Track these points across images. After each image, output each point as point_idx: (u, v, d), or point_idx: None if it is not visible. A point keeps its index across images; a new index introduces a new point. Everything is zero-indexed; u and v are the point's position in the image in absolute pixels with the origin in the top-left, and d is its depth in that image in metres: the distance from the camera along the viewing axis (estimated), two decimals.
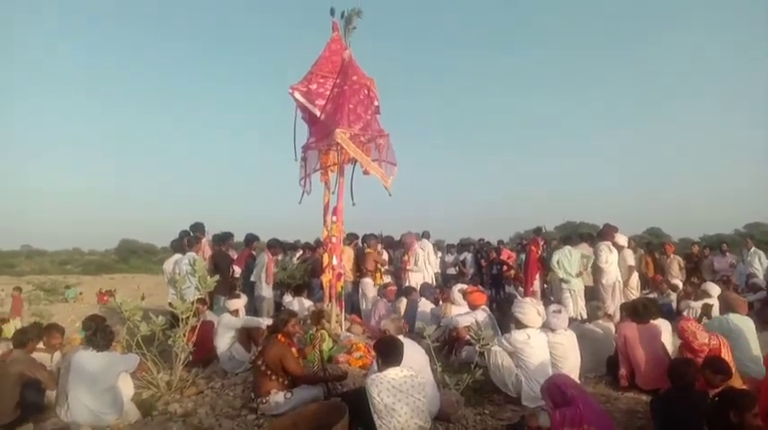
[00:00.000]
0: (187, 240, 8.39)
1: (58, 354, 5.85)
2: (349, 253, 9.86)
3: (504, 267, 11.82)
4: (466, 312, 6.92)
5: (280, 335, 5.01)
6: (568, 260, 8.70)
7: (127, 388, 4.91)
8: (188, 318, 5.89)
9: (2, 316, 11.99)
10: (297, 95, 6.73)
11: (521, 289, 10.77)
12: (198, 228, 9.02)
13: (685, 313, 8.31)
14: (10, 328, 9.45)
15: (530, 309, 5.34)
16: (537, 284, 10.18)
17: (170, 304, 6.01)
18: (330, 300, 6.72)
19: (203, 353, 6.31)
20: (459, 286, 7.71)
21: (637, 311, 5.82)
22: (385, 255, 11.10)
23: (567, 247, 8.92)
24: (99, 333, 4.97)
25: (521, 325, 5.29)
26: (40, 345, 5.62)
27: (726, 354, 4.90)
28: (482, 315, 6.67)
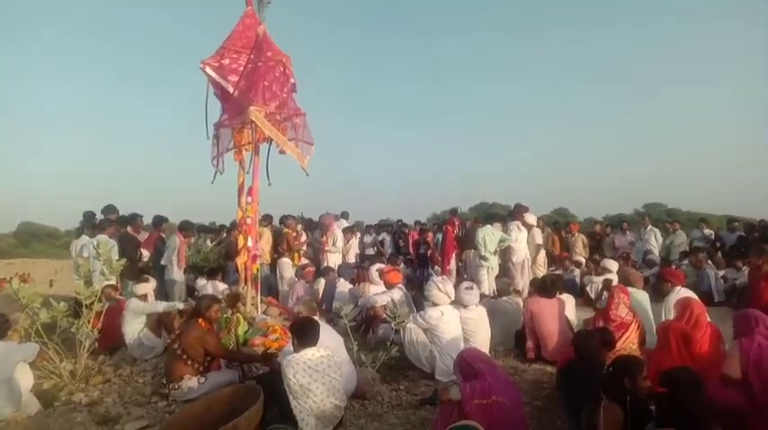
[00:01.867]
0: (99, 222, 7.98)
1: None
2: (267, 234, 9.72)
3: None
4: (383, 291, 7.02)
5: (200, 320, 4.89)
6: (491, 238, 8.97)
7: (25, 378, 4.62)
8: (92, 303, 5.61)
9: None
10: (208, 70, 6.44)
11: (437, 268, 11.02)
12: (110, 210, 8.58)
13: (588, 288, 8.85)
14: None
15: (434, 287, 5.52)
16: (453, 263, 10.44)
17: (75, 291, 5.68)
18: (246, 283, 6.58)
19: (109, 340, 6.05)
20: (377, 266, 7.80)
21: (545, 286, 6.12)
22: (304, 236, 11.03)
23: (489, 226, 9.21)
24: None
25: (432, 303, 5.45)
26: None
27: (635, 331, 5.22)
28: (398, 293, 6.79)
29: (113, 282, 6.82)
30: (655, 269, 10.12)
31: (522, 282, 8.94)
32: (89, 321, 5.57)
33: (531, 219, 9.77)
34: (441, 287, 5.46)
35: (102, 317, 5.81)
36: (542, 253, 10.18)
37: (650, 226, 12.64)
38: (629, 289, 5.86)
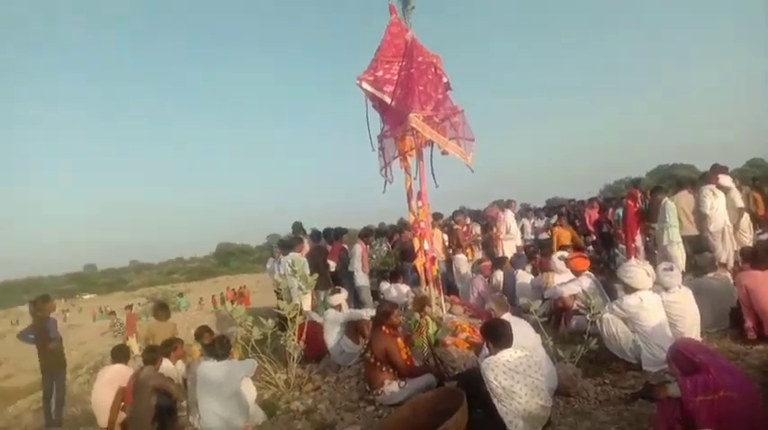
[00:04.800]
0: (290, 240, 8.78)
1: (180, 364, 6.23)
2: (437, 233, 9.83)
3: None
4: (570, 280, 6.70)
5: (384, 327, 5.08)
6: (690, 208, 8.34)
7: (250, 391, 5.17)
8: (294, 317, 6.11)
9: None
10: (365, 85, 6.68)
11: (621, 246, 10.29)
12: (298, 228, 9.31)
13: None
14: (133, 346, 10.16)
15: (637, 271, 5.10)
16: (639, 240, 9.68)
17: (277, 307, 6.25)
18: (427, 284, 6.72)
19: (314, 350, 6.53)
20: (560, 253, 7.48)
21: (757, 256, 5.45)
22: (477, 228, 10.99)
23: (684, 192, 8.54)
24: (217, 343, 5.28)
25: (630, 289, 5.06)
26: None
27: None
28: (587, 281, 6.42)
29: (308, 295, 7.35)
30: None
31: (726, 254, 8.01)
32: (294, 333, 6.09)
33: (726, 180, 8.71)
34: (643, 270, 5.07)
35: (305, 329, 6.29)
36: (746, 217, 9.00)
37: None
38: None
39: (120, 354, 6.21)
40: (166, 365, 5.88)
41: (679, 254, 8.18)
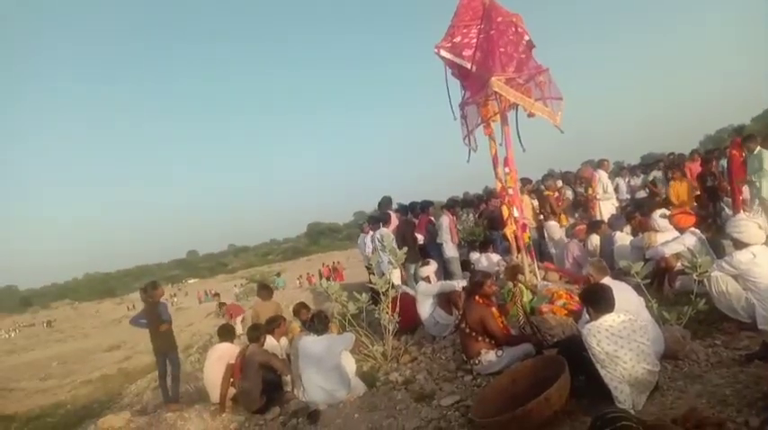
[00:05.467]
0: (378, 215, 8.90)
1: (284, 340, 6.51)
2: (526, 200, 9.57)
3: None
4: (673, 238, 6.31)
5: (477, 297, 5.04)
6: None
7: (350, 364, 5.32)
8: (387, 290, 6.20)
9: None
10: (443, 53, 6.54)
11: (727, 199, 9.57)
12: (386, 203, 9.40)
13: None
14: (237, 328, 10.72)
15: (748, 225, 4.74)
16: (746, 192, 8.96)
17: (370, 281, 6.37)
18: (519, 252, 6.58)
19: (408, 322, 6.60)
20: (661, 211, 7.06)
21: None
22: (569, 192, 10.60)
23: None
24: (315, 318, 5.47)
25: (741, 244, 4.70)
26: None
27: None
28: (691, 239, 6.02)
29: (397, 269, 7.41)
30: None
31: None
32: (388, 306, 6.18)
33: None
34: (754, 223, 4.70)
35: (398, 302, 6.36)
36: None
37: None
38: None
39: (226, 333, 6.59)
40: (270, 342, 6.17)
41: None
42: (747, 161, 8.56)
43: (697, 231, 6.28)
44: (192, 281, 77.44)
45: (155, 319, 6.47)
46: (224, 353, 6.14)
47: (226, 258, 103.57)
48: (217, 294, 18.67)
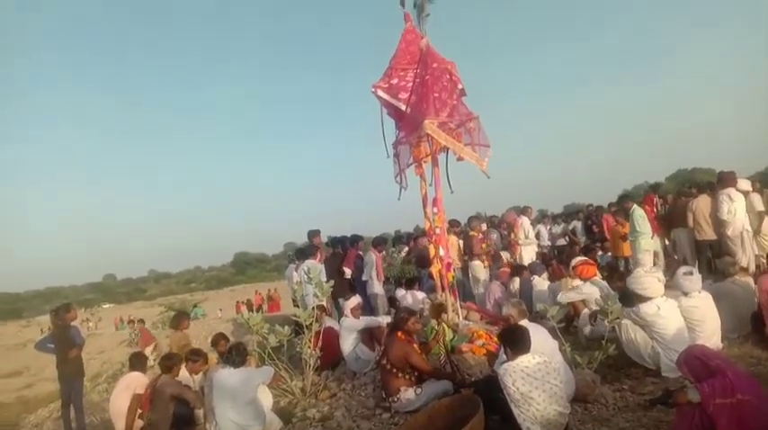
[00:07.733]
0: (306, 248, 8.82)
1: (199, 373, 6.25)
2: (453, 240, 9.79)
3: None
4: (571, 288, 6.69)
5: (399, 333, 5.07)
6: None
7: (266, 398, 5.20)
8: (311, 324, 6.13)
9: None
10: (380, 93, 6.71)
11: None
12: (314, 235, 9.34)
13: None
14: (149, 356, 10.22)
15: (648, 280, 5.06)
16: (657, 244, 9.56)
17: (294, 315, 6.28)
18: (443, 291, 6.70)
19: (330, 357, 6.52)
20: (577, 259, 7.43)
21: None
22: (495, 235, 10.92)
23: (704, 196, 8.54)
24: (233, 350, 5.30)
25: (644, 299, 5.01)
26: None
27: None
28: (590, 288, 6.40)
29: (324, 302, 7.37)
30: None
31: (746, 258, 7.91)
32: (310, 341, 6.09)
33: (744, 184, 8.57)
34: (654, 277, 5.02)
35: (321, 336, 6.29)
36: (766, 220, 8.85)
37: None
38: None
39: (138, 362, 6.25)
40: (183, 374, 5.92)
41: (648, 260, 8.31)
42: (668, 215, 9.28)
43: (599, 281, 6.68)
44: (107, 306, 73.13)
45: (65, 344, 6.10)
46: (132, 382, 5.78)
47: (145, 284, 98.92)
48: (141, 320, 17.81)
